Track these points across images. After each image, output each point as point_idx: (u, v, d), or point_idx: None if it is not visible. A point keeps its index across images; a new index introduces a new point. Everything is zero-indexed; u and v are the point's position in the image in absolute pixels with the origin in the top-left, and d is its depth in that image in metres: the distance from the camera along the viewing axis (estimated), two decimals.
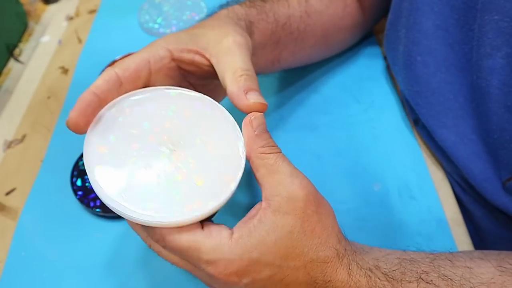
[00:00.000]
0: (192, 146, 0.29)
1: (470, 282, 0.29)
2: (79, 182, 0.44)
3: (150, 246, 0.30)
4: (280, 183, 0.28)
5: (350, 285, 0.28)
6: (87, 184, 0.44)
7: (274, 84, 0.54)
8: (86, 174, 0.45)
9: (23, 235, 0.42)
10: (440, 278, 0.29)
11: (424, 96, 0.43)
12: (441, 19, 0.40)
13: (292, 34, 0.45)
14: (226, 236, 0.27)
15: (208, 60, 0.33)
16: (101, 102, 0.30)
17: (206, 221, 0.29)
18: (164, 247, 0.28)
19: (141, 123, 0.30)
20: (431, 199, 0.43)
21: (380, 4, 0.51)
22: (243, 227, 0.28)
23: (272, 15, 0.42)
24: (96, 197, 0.43)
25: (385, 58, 0.57)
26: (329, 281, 0.28)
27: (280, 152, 0.29)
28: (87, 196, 0.43)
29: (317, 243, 0.28)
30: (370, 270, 0.29)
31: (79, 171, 0.45)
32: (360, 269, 0.29)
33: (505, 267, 0.30)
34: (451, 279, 0.29)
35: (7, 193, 0.46)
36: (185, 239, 0.27)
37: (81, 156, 0.47)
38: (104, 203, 0.27)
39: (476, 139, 0.39)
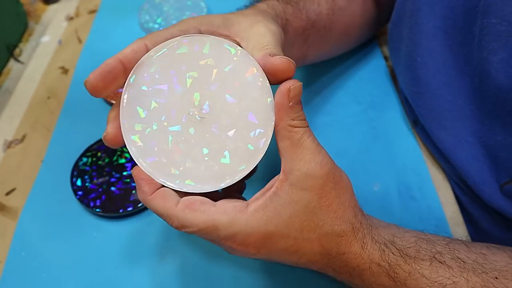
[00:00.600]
0: (220, 111, 0.29)
1: (482, 266, 0.29)
2: (79, 182, 0.44)
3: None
4: (302, 159, 0.27)
5: (363, 257, 0.29)
6: (87, 184, 0.44)
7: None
8: (86, 174, 0.45)
9: (23, 235, 0.42)
10: (453, 260, 0.29)
11: (424, 97, 0.43)
12: (441, 20, 0.40)
13: (319, 31, 0.45)
14: (241, 210, 0.27)
15: (239, 44, 0.32)
16: (125, 70, 0.29)
17: (223, 193, 0.30)
18: (184, 231, 0.28)
19: (169, 87, 0.29)
20: (431, 199, 0.43)
21: (393, 1, 0.51)
22: (258, 200, 0.28)
23: (305, 12, 0.42)
24: (96, 197, 0.43)
25: (385, 58, 0.57)
26: (343, 253, 0.29)
27: (308, 127, 0.28)
28: (87, 196, 0.43)
29: (333, 217, 0.28)
30: (385, 244, 0.30)
31: (79, 171, 0.45)
32: (375, 243, 0.29)
33: None
34: (463, 261, 0.29)
35: (7, 193, 0.46)
36: (201, 220, 0.27)
37: (81, 156, 0.47)
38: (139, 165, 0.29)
39: (474, 142, 0.39)
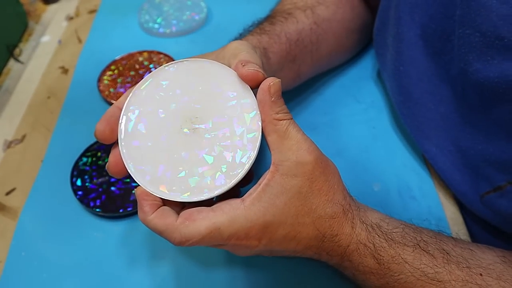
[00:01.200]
0: (209, 122, 0.31)
1: (467, 261, 0.30)
2: (79, 182, 0.44)
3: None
4: (290, 149, 0.29)
5: (352, 237, 0.30)
6: (87, 184, 0.44)
7: None
8: (86, 174, 0.45)
9: (23, 235, 0.42)
10: (437, 250, 0.30)
11: (407, 106, 0.43)
12: (420, 28, 0.40)
13: (306, 47, 0.45)
14: (238, 207, 0.29)
15: None
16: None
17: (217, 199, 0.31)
18: (187, 245, 0.29)
19: (165, 104, 0.32)
20: (431, 199, 0.43)
21: None
22: (252, 194, 0.29)
23: (284, 35, 0.43)
24: (96, 197, 0.43)
25: None
26: (335, 235, 0.30)
27: (292, 119, 0.30)
28: (87, 196, 0.43)
29: (324, 200, 0.30)
30: (372, 226, 0.31)
31: (79, 171, 0.45)
32: (362, 224, 0.31)
33: (508, 258, 0.30)
34: (448, 254, 0.30)
35: (7, 193, 0.46)
36: (204, 227, 0.28)
37: (81, 156, 0.47)
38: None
39: (455, 151, 0.40)
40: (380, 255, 0.30)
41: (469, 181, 0.39)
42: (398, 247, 0.30)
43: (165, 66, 0.33)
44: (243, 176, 0.30)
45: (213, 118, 0.31)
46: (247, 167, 0.30)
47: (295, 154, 0.29)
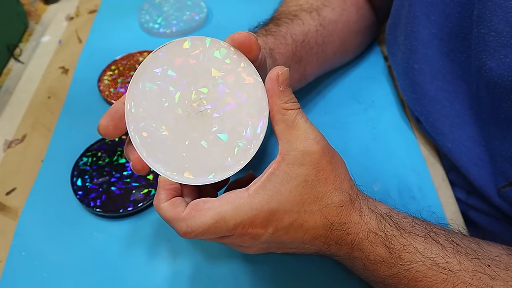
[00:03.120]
0: (214, 102, 0.31)
1: (476, 253, 0.30)
2: (79, 182, 0.44)
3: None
4: (297, 138, 0.29)
5: (361, 226, 0.30)
6: (87, 184, 0.44)
7: None
8: (86, 174, 0.45)
9: (23, 235, 0.42)
10: (447, 241, 0.30)
11: (421, 103, 0.43)
12: (436, 27, 0.40)
13: (312, 49, 0.46)
14: (242, 195, 0.29)
15: None
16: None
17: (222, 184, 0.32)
18: (193, 236, 0.29)
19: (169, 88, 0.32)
20: (431, 199, 0.43)
21: (390, 2, 0.51)
22: (257, 182, 0.29)
23: (290, 36, 0.43)
24: (96, 197, 0.43)
25: (385, 58, 0.57)
26: (344, 223, 0.30)
27: (300, 108, 0.30)
28: (87, 196, 0.43)
29: (331, 189, 0.30)
30: (382, 216, 0.31)
31: (79, 171, 0.45)
32: (372, 212, 0.31)
33: None
34: (458, 245, 0.30)
35: (7, 193, 0.46)
36: (209, 216, 0.28)
37: (82, 156, 0.47)
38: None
39: (472, 146, 0.40)
40: (391, 244, 0.30)
41: (486, 175, 0.39)
42: (409, 236, 0.30)
43: (153, 52, 0.32)
44: (260, 145, 0.30)
45: (217, 95, 0.31)
46: (262, 136, 0.30)
47: (302, 143, 0.29)
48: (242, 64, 0.31)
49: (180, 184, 0.31)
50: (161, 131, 0.31)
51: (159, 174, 0.31)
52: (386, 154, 0.47)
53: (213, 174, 0.30)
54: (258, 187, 0.29)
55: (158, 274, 0.39)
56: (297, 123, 0.29)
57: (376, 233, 0.30)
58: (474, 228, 0.44)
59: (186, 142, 0.31)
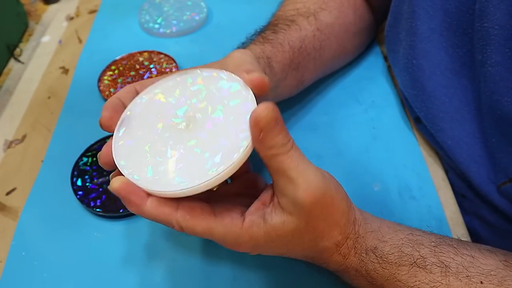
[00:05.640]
0: (205, 122, 0.30)
1: (467, 270, 0.29)
2: (79, 182, 0.44)
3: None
4: (286, 186, 0.28)
5: (342, 265, 0.32)
6: (87, 184, 0.44)
7: None
8: (86, 174, 0.45)
9: (23, 235, 0.42)
10: (435, 265, 0.30)
11: (421, 99, 0.43)
12: (435, 22, 0.40)
13: (309, 54, 0.45)
14: (237, 224, 0.29)
15: None
16: (123, 105, 0.33)
17: (219, 204, 0.31)
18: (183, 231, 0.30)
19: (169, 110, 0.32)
20: (431, 199, 0.43)
21: (388, 2, 0.51)
22: (254, 216, 0.30)
23: (287, 43, 0.43)
24: (96, 197, 0.43)
25: (385, 58, 0.57)
26: (324, 262, 0.32)
27: (290, 151, 0.27)
28: (87, 196, 0.43)
29: (318, 237, 0.30)
30: (366, 252, 0.31)
31: (79, 171, 0.45)
32: (355, 254, 0.31)
33: (510, 263, 0.30)
34: (447, 266, 0.30)
35: (7, 193, 0.46)
36: (201, 228, 0.29)
37: (82, 156, 0.47)
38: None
39: (472, 143, 0.40)
40: (372, 278, 0.31)
41: (486, 172, 0.39)
42: (392, 268, 0.30)
43: (162, 78, 0.33)
44: (242, 160, 0.28)
45: (208, 116, 0.30)
46: (242, 150, 0.27)
47: (292, 193, 0.27)
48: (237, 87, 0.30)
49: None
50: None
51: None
52: (386, 154, 0.47)
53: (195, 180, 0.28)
54: (254, 223, 0.29)
55: (157, 274, 0.39)
56: (285, 170, 0.27)
57: (356, 269, 0.31)
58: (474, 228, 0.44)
59: (167, 152, 0.29)
